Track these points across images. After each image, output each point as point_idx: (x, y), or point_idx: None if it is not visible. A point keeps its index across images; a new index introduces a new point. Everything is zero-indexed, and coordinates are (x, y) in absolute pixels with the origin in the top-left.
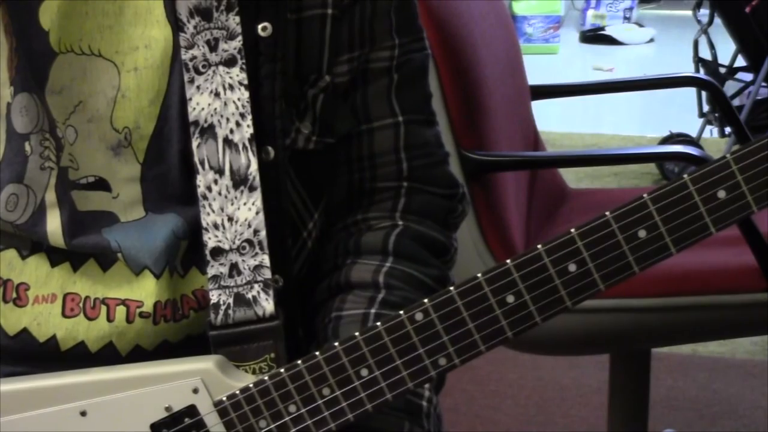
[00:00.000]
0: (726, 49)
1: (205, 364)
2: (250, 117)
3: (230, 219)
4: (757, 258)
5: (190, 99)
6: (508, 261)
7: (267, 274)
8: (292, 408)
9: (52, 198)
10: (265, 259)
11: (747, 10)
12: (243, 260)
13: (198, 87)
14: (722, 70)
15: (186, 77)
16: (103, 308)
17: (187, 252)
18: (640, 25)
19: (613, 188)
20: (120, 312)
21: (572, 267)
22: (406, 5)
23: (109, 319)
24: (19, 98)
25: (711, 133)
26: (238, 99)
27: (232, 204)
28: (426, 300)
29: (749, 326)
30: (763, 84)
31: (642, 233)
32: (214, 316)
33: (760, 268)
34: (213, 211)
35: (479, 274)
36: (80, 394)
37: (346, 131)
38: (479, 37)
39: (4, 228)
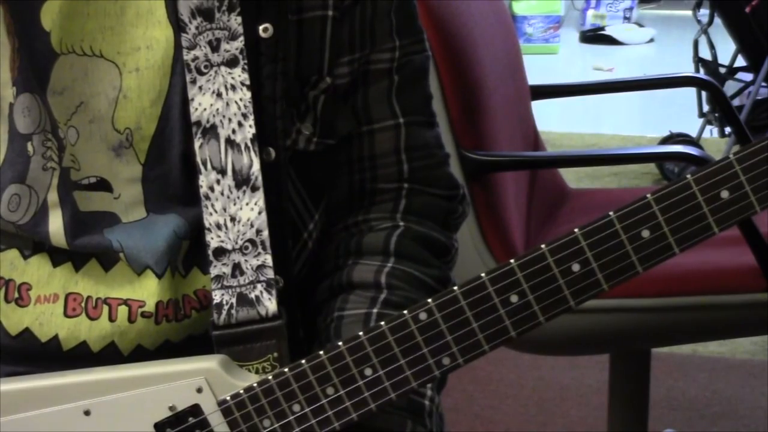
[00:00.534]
0: (726, 49)
1: (209, 363)
2: (252, 117)
3: (233, 219)
4: (757, 258)
5: (192, 99)
6: (512, 261)
7: (270, 273)
8: (296, 407)
9: (54, 198)
10: (268, 259)
11: (747, 10)
12: (246, 260)
13: (200, 87)
14: (722, 70)
15: (188, 77)
16: (105, 308)
17: (188, 252)
18: (640, 25)
19: (613, 188)
20: (122, 312)
21: (576, 267)
22: (406, 6)
23: (111, 319)
24: (21, 98)
25: (711, 133)
26: (240, 99)
27: (235, 204)
28: (430, 300)
29: (749, 326)
30: (763, 84)
31: (645, 233)
32: (217, 316)
33: (760, 268)
34: (215, 211)
35: (483, 274)
36: (84, 394)
37: (347, 132)
38: (479, 37)
39: (5, 228)
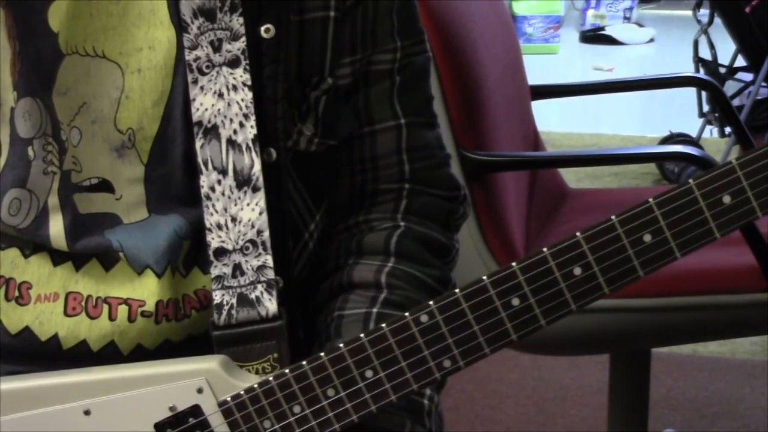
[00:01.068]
0: (726, 49)
1: (210, 364)
2: (253, 118)
3: (233, 219)
4: (757, 258)
5: (194, 99)
6: (514, 264)
7: (270, 274)
8: (297, 409)
9: (55, 202)
10: (269, 260)
11: (747, 10)
12: (246, 260)
13: (201, 87)
14: (722, 70)
15: (189, 78)
16: (105, 307)
17: (189, 252)
18: (640, 25)
19: (613, 188)
20: (122, 311)
21: (577, 270)
22: (407, 8)
23: (111, 318)
24: (22, 103)
25: (711, 133)
26: (242, 100)
27: (236, 204)
28: (431, 302)
29: (749, 326)
30: (763, 84)
31: (647, 237)
32: (217, 316)
33: (760, 268)
34: (216, 212)
35: (484, 277)
36: (84, 394)
37: (348, 133)
38: (479, 37)
39: (6, 231)
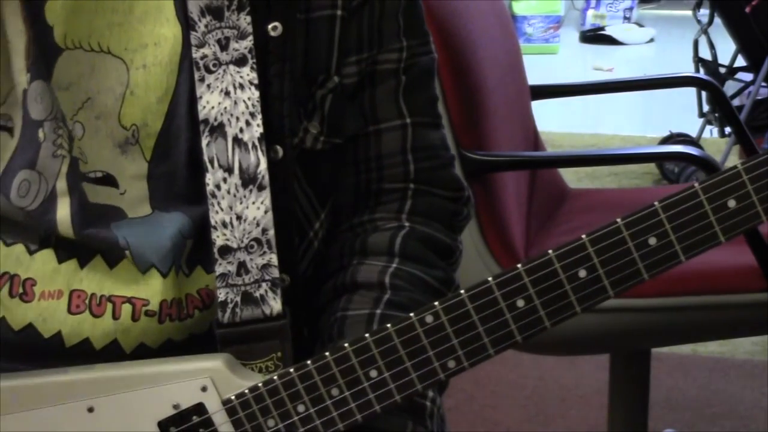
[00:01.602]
0: (726, 49)
1: (214, 362)
2: (260, 116)
3: (239, 217)
4: (757, 258)
5: (200, 97)
6: (519, 265)
7: (275, 273)
8: (301, 408)
9: (63, 186)
10: (273, 258)
11: (747, 10)
12: (251, 259)
13: (208, 86)
14: (722, 70)
15: (196, 76)
16: (109, 306)
17: (192, 251)
18: (640, 25)
19: (613, 188)
20: (125, 310)
21: (582, 273)
22: (413, 8)
23: (115, 317)
24: (34, 85)
25: (711, 133)
26: (248, 98)
27: (241, 203)
28: (436, 303)
29: (749, 326)
30: (763, 84)
31: (652, 240)
32: (221, 314)
33: (760, 268)
34: (221, 210)
35: (490, 278)
36: (88, 391)
37: (354, 132)
38: (479, 38)
39: (14, 216)
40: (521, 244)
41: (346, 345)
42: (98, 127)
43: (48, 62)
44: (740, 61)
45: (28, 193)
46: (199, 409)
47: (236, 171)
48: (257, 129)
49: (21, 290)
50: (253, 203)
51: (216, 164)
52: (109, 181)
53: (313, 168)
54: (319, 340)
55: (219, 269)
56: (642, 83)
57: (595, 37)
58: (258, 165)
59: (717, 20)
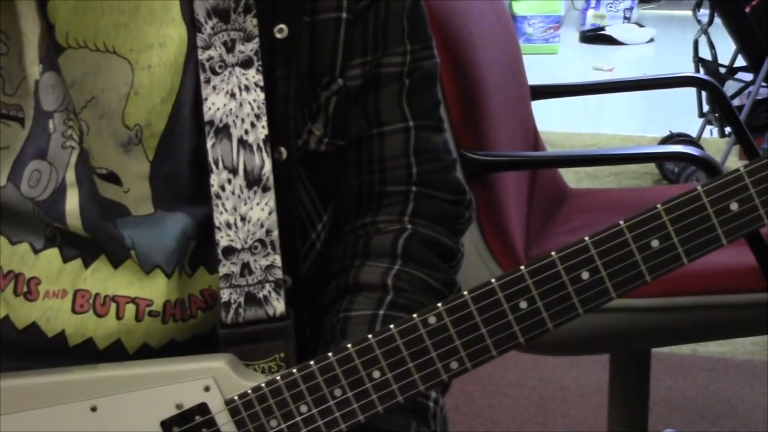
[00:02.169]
0: (726, 49)
1: (217, 362)
2: (265, 118)
3: (243, 219)
4: (757, 258)
5: (206, 99)
6: (522, 267)
7: (278, 274)
8: (304, 408)
9: (72, 178)
10: (277, 259)
11: (747, 10)
12: (255, 260)
13: (214, 87)
14: (722, 70)
15: (202, 77)
16: (113, 306)
17: (195, 251)
18: (640, 25)
19: (613, 188)
20: (129, 310)
21: (585, 275)
22: (417, 12)
23: (119, 317)
24: (47, 76)
25: (711, 133)
26: (254, 100)
27: (245, 204)
28: (439, 304)
29: (749, 326)
30: (763, 84)
31: (655, 243)
32: (224, 315)
33: (760, 268)
34: (226, 211)
35: (493, 280)
36: (91, 390)
37: (357, 134)
38: (479, 37)
39: (23, 209)
40: (521, 244)
41: (349, 346)
42: (102, 126)
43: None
44: (740, 61)
45: (39, 183)
46: (202, 409)
47: (241, 172)
48: (262, 131)
49: (25, 289)
50: (258, 204)
51: (221, 165)
52: (113, 179)
53: (316, 170)
54: (321, 340)
55: (223, 270)
56: (642, 83)
57: (595, 37)
58: (263, 166)
59: (717, 20)
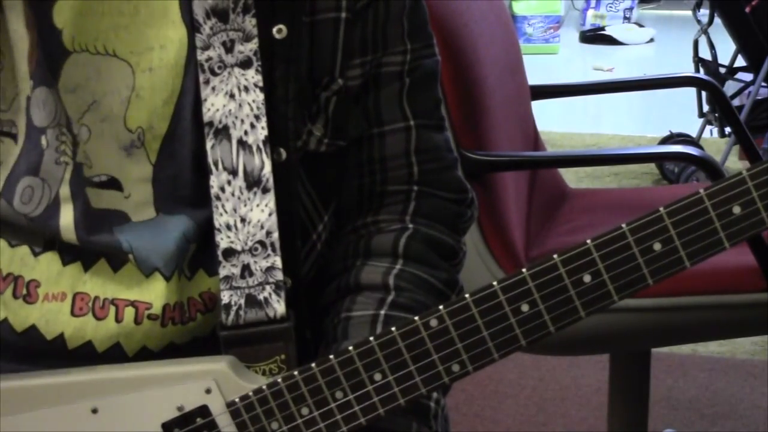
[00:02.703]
0: (726, 49)
1: (219, 364)
2: (264, 119)
3: (243, 220)
4: (757, 258)
5: (205, 100)
6: (524, 270)
7: (279, 275)
8: (305, 410)
9: (66, 193)
10: (277, 261)
11: (747, 10)
12: (255, 261)
13: (213, 88)
14: (722, 70)
15: (201, 78)
16: (112, 309)
17: (194, 254)
18: (640, 25)
19: (613, 188)
20: (128, 313)
21: (587, 278)
22: (418, 11)
23: (118, 320)
24: (38, 92)
25: (711, 133)
26: (253, 101)
27: (245, 205)
28: (441, 306)
29: (749, 326)
30: (763, 84)
31: (657, 246)
32: (225, 317)
33: (760, 268)
34: (226, 212)
35: (495, 282)
36: (92, 392)
37: (358, 134)
38: (479, 37)
39: (17, 222)
40: (521, 244)
41: (350, 348)
42: (103, 129)
43: (55, 66)
44: (740, 61)
45: (32, 199)
46: (203, 411)
47: (241, 173)
48: (262, 131)
49: (25, 291)
50: (258, 206)
51: (220, 167)
52: (113, 184)
53: (317, 170)
54: (323, 341)
55: (223, 272)
56: (642, 83)
57: (595, 37)
58: (262, 167)
59: (717, 20)
